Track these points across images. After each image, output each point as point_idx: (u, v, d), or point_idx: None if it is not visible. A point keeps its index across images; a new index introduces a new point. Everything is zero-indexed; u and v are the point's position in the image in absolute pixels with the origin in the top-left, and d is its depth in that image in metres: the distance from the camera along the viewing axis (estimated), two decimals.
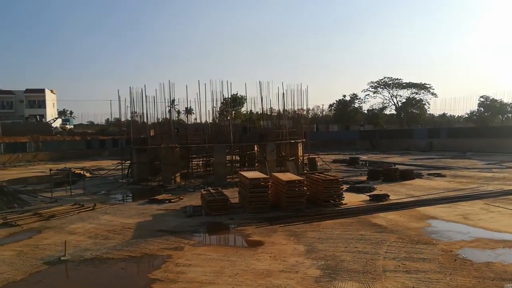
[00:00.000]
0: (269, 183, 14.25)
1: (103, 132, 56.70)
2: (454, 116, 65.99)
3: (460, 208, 13.69)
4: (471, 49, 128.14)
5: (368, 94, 66.79)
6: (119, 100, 25.34)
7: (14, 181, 24.97)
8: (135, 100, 24.58)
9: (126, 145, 28.01)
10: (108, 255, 9.43)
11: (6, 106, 69.21)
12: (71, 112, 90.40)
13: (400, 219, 12.23)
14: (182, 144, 23.92)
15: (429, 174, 22.81)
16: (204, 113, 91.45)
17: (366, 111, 67.49)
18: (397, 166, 26.08)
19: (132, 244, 10.30)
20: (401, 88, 64.88)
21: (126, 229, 11.99)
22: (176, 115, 48.09)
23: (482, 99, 51.55)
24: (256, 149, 27.24)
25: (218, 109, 31.35)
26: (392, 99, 66.24)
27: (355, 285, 7.13)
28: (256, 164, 25.14)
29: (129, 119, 26.88)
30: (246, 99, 46.21)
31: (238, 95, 52.33)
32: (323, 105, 74.93)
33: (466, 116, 55.61)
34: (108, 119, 72.44)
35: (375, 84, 66.05)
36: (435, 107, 63.19)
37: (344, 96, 67.09)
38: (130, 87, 24.71)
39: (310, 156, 26.97)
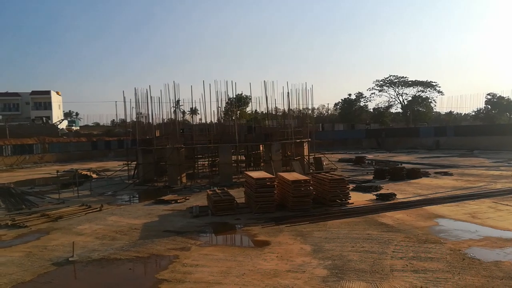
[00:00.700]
0: (275, 183, 14.23)
1: (109, 133, 57.01)
2: (461, 114, 65.69)
3: (467, 207, 13.59)
4: (478, 46, 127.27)
5: (374, 93, 66.63)
6: (125, 101, 25.51)
7: (22, 183, 25.20)
8: (140, 101, 24.71)
9: (132, 146, 28.12)
10: (115, 255, 9.47)
11: (13, 108, 69.80)
12: (77, 114, 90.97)
13: (407, 218, 12.16)
14: (188, 145, 23.97)
15: (436, 173, 22.66)
16: (209, 113, 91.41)
17: (371, 110, 67.29)
18: (403, 165, 25.97)
19: (139, 244, 10.34)
20: (407, 86, 64.62)
21: (133, 229, 12.03)
22: (181, 115, 48.22)
23: (489, 97, 51.24)
24: (261, 149, 27.22)
25: (223, 109, 31.37)
26: (398, 98, 65.99)
27: (362, 285, 7.10)
28: (262, 164, 25.14)
29: (135, 120, 27.02)
30: (251, 99, 46.24)
31: (243, 95, 52.41)
32: (328, 104, 75.04)
33: (473, 114, 55.34)
34: (113, 120, 72.90)
35: (381, 82, 65.83)
36: (441, 105, 62.85)
37: (350, 95, 66.97)
38: (135, 88, 24.93)
39: (316, 156, 26.91)
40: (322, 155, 28.21)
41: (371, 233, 10.55)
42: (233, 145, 23.13)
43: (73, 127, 66.76)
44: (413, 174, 21.17)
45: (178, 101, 30.67)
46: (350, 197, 14.77)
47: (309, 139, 26.58)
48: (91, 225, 12.76)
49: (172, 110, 31.02)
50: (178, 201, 16.53)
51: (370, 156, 35.61)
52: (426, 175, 21.77)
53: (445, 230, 10.76)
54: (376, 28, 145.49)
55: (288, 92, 25.51)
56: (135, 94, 24.58)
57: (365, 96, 66.77)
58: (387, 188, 17.82)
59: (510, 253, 8.62)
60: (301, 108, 29.18)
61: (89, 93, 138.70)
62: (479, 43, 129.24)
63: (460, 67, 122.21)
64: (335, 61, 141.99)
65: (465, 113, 62.95)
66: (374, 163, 29.86)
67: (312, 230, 11.07)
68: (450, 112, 65.70)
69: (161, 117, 27.64)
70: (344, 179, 15.18)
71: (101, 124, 77.84)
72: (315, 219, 12.37)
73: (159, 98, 25.03)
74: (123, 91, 29.21)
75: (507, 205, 13.63)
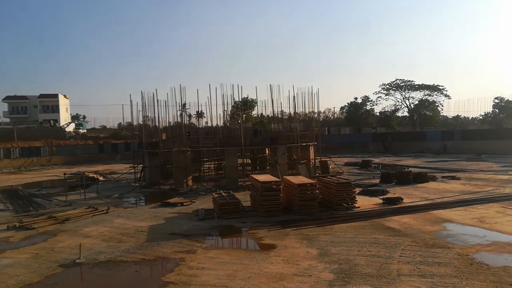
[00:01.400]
0: (281, 186, 14.21)
1: (116, 136, 57.37)
2: (468, 118, 65.16)
3: (475, 211, 13.46)
4: (485, 50, 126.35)
5: (380, 96, 66.50)
6: (131, 105, 25.67)
7: (29, 185, 25.42)
8: (147, 104, 24.86)
9: (138, 149, 28.27)
10: (121, 258, 9.50)
11: (21, 111, 70.57)
12: (84, 117, 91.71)
13: (415, 223, 12.07)
14: (194, 148, 24.04)
15: (443, 177, 22.49)
16: (215, 116, 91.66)
17: (378, 114, 67.08)
18: (410, 168, 25.80)
19: (145, 247, 10.36)
20: (414, 90, 64.40)
21: (139, 232, 12.07)
22: (188, 118, 48.35)
23: (496, 100, 50.92)
24: (267, 152, 27.23)
25: (229, 113, 31.47)
26: (405, 101, 65.78)
27: None
28: (268, 167, 25.13)
29: (141, 123, 27.16)
30: (257, 102, 46.37)
31: (249, 98, 52.50)
32: (334, 107, 74.88)
33: (481, 117, 54.89)
34: (120, 123, 73.35)
35: (387, 86, 65.69)
36: (448, 109, 62.68)
37: (356, 98, 66.83)
38: (142, 91, 25.04)
39: (322, 159, 26.84)
40: (328, 159, 28.13)
41: (377, 237, 10.48)
42: (239, 149, 23.16)
43: (80, 130, 67.32)
44: (420, 178, 21.02)
45: (185, 104, 30.87)
46: (357, 201, 14.70)
47: (315, 143, 26.54)
48: (98, 227, 12.82)
49: (179, 113, 31.16)
50: (184, 204, 16.57)
51: (376, 160, 35.45)
52: (433, 179, 21.60)
53: (452, 235, 10.66)
54: (383, 32, 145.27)
55: (294, 96, 25.55)
56: (142, 97, 24.75)
57: (372, 100, 66.68)
58: (394, 192, 17.72)
59: None
60: (307, 112, 29.17)
61: (96, 96, 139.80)
62: (486, 46, 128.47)
63: (468, 70, 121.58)
64: (342, 65, 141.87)
65: (472, 117, 62.52)
66: (380, 167, 29.71)
67: (318, 234, 11.03)
68: (457, 116, 65.27)
69: (167, 120, 27.78)
70: (351, 182, 15.12)
71: (108, 127, 78.38)
72: (321, 222, 12.32)
73: (165, 101, 25.19)
74: (130, 95, 29.34)
75: None
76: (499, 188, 18.04)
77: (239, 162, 23.68)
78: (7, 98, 70.21)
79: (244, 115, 49.47)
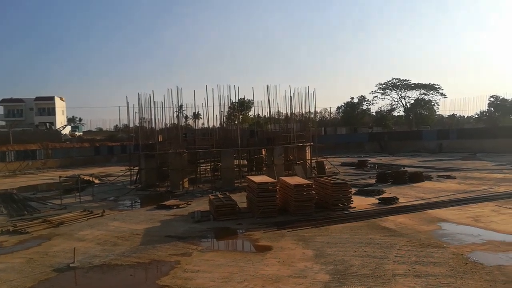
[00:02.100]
0: (277, 187, 14.20)
1: (112, 138, 57.16)
2: (463, 116, 65.41)
3: (470, 210, 13.50)
4: (481, 48, 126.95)
5: (376, 96, 66.65)
6: (128, 106, 25.61)
7: (24, 189, 25.28)
8: (143, 106, 24.81)
9: (135, 151, 28.18)
10: (116, 261, 9.45)
11: (17, 114, 70.26)
12: (80, 119, 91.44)
13: (410, 222, 12.09)
14: (190, 149, 23.98)
15: (438, 176, 22.55)
16: (212, 117, 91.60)
17: (374, 113, 67.27)
18: (406, 168, 25.86)
19: (140, 250, 10.32)
20: (410, 89, 64.62)
21: (134, 235, 12.02)
22: (184, 120, 48.35)
23: (492, 99, 51.21)
24: (263, 153, 27.20)
25: (226, 114, 31.44)
26: (401, 101, 65.98)
27: None
28: (264, 168, 25.10)
29: (138, 125, 27.08)
30: (253, 103, 46.35)
31: (245, 99, 52.43)
32: (330, 107, 74.94)
33: (476, 116, 55.14)
34: (116, 125, 73.08)
35: (383, 85, 65.86)
36: (444, 107, 62.99)
37: (352, 98, 66.99)
38: (138, 93, 24.97)
39: (318, 160, 26.86)
40: (325, 159, 28.16)
41: (373, 238, 10.48)
42: (235, 150, 23.14)
43: (76, 133, 67.11)
44: (416, 177, 21.07)
45: (181, 106, 30.83)
46: (353, 201, 14.71)
47: (312, 143, 26.54)
48: (93, 231, 12.76)
49: (175, 115, 31.09)
50: (180, 206, 16.52)
51: (372, 160, 35.50)
52: (429, 178, 21.65)
53: (448, 234, 10.69)
54: (379, 31, 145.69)
55: (290, 96, 25.54)
56: (138, 99, 24.69)
57: (368, 100, 66.82)
58: (390, 192, 17.75)
59: None
60: (303, 112, 29.19)
61: (92, 98, 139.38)
62: (482, 45, 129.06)
63: (463, 69, 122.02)
64: (338, 64, 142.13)
65: (468, 116, 62.74)
66: (376, 167, 29.77)
67: (314, 235, 11.02)
68: (453, 115, 65.56)
69: (164, 122, 27.74)
70: (347, 183, 15.15)
71: (104, 129, 78.21)
72: (317, 223, 12.32)
73: (162, 103, 25.15)
74: (126, 96, 29.13)
75: (510, 208, 13.52)
76: (494, 187, 18.11)
77: (235, 163, 23.66)
78: (3, 101, 69.87)
79: (241, 116, 49.44)
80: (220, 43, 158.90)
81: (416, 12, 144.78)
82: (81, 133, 69.80)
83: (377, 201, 15.67)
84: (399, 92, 65.51)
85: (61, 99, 73.29)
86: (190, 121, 57.09)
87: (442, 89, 62.66)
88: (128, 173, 25.51)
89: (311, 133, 27.72)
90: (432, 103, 63.37)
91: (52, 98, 69.61)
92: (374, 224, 12.12)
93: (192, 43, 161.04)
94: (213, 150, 23.98)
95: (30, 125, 63.73)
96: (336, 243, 10.09)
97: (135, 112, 25.85)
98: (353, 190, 16.60)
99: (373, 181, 21.88)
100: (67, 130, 63.90)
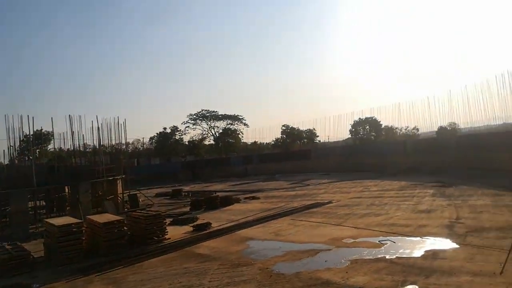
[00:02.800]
0: (83, 228, 12.76)
1: None
2: (263, 143, 74.17)
3: (272, 226, 15.14)
4: (272, 84, 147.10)
5: (188, 126, 69.17)
6: None
7: None
8: None
9: None
10: None
11: None
12: None
13: (222, 245, 12.67)
14: None
15: (246, 198, 24.66)
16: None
17: (187, 143, 69.33)
18: (217, 193, 27.32)
19: None
20: (218, 120, 69.72)
21: None
22: None
23: (284, 128, 59.66)
24: (67, 190, 24.22)
25: (18, 148, 26.81)
26: (211, 130, 70.27)
27: None
28: (68, 208, 22.34)
29: None
30: (53, 135, 41.06)
31: (43, 131, 46.11)
32: (143, 138, 73.25)
33: (273, 143, 63.36)
34: None
35: (194, 116, 69.07)
36: (247, 136, 69.92)
37: (165, 128, 67.51)
38: None
39: (131, 193, 25.65)
40: (138, 192, 27.12)
41: (188, 266, 10.48)
42: (30, 190, 19.82)
43: None
44: (226, 201, 22.49)
45: None
46: (167, 232, 14.48)
47: (123, 176, 25.21)
48: None
49: None
50: None
51: (187, 188, 36.24)
52: (238, 201, 23.45)
53: (255, 251, 11.63)
54: (185, 64, 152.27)
55: (98, 127, 23.80)
56: None
57: (180, 130, 68.61)
58: (203, 218, 18.31)
59: (306, 263, 9.90)
60: (113, 144, 27.57)
61: None
62: (271, 81, 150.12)
63: (261, 102, 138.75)
64: (148, 94, 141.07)
65: (266, 142, 71.45)
66: (190, 195, 30.46)
67: (127, 275, 10.26)
68: (255, 142, 73.53)
69: None
70: (160, 214, 14.87)
71: None
72: (130, 261, 11.55)
73: None
74: None
75: (302, 220, 15.81)
76: (289, 203, 20.91)
77: (30, 205, 20.22)
78: None
79: (37, 151, 43.10)
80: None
81: (216, 48, 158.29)
82: None
83: (191, 228, 15.88)
84: (209, 123, 69.87)
85: None
86: None
87: (245, 120, 70.05)
88: None
89: (123, 165, 26.39)
90: (238, 132, 69.90)
91: None
92: (189, 252, 12.20)
93: None
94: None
95: None
96: (150, 280, 9.63)
97: None
98: (168, 220, 16.44)
99: (187, 209, 22.22)
100: None
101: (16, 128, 22.02)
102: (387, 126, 48.18)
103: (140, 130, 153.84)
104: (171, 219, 18.01)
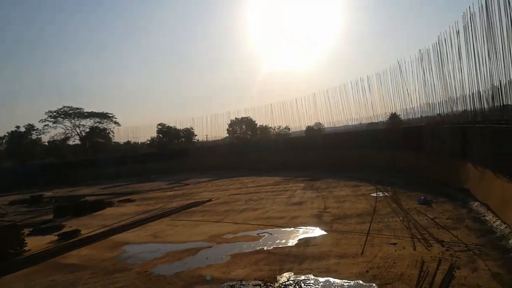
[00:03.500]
0: None
1: None
2: (138, 143, 70.71)
3: (150, 228, 14.50)
4: (150, 82, 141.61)
5: (48, 125, 61.71)
6: None
7: None
8: None
9: None
10: None
11: None
12: None
13: (95, 253, 11.61)
14: None
15: (119, 201, 23.14)
16: None
17: (47, 143, 61.92)
18: (86, 198, 25.07)
19: None
20: (84, 118, 63.81)
21: None
22: None
23: (160, 127, 57.84)
24: None
25: None
26: (76, 129, 63.97)
27: None
28: None
29: None
30: None
31: None
32: None
33: (148, 142, 60.80)
34: None
35: (54, 113, 61.91)
36: (119, 135, 65.51)
37: (18, 127, 59.17)
38: None
39: None
40: None
41: (55, 279, 9.32)
42: None
43: None
44: (97, 206, 20.75)
45: None
46: (27, 243, 12.62)
47: None
48: None
49: None
50: None
51: (49, 194, 32.32)
52: (110, 205, 21.85)
53: (132, 256, 10.95)
54: (34, 56, 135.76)
55: None
56: None
57: (38, 129, 60.89)
58: (71, 225, 16.56)
59: (187, 262, 9.71)
60: None
61: None
62: (150, 78, 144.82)
63: (135, 99, 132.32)
64: None
65: (141, 142, 68.27)
66: (54, 201, 27.26)
67: None
68: (128, 141, 69.65)
69: None
70: (16, 224, 12.94)
71: None
72: None
73: None
74: None
75: (181, 220, 15.52)
76: (168, 204, 20.34)
77: None
78: None
79: None
80: None
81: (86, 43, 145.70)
82: None
83: (56, 237, 14.16)
84: (73, 121, 63.50)
85: None
86: None
87: (116, 118, 65.62)
88: None
89: None
90: (108, 131, 65.17)
91: None
92: (55, 263, 10.87)
93: None
94: None
95: None
96: None
97: None
98: (27, 230, 14.40)
99: (51, 216, 19.79)
100: None
101: None
102: (262, 125, 50.85)
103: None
104: (31, 229, 15.81)
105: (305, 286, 7.31)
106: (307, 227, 12.03)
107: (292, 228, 12.14)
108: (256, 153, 38.98)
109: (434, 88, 18.86)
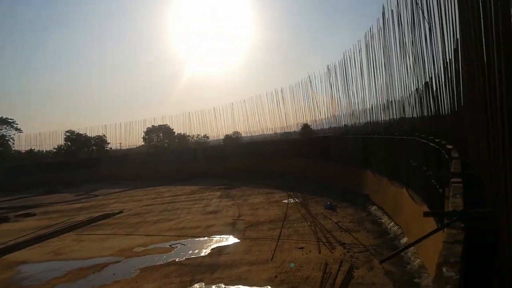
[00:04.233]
0: None
1: None
2: (43, 151, 64.76)
3: (51, 245, 13.35)
4: (58, 87, 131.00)
5: None
6: None
7: None
8: None
9: None
10: None
11: None
12: None
13: None
14: None
15: (17, 216, 20.91)
16: None
17: None
18: None
19: None
20: None
21: None
22: None
23: (68, 134, 53.74)
24: None
25: None
26: None
27: None
28: None
29: None
30: None
31: None
32: None
33: (55, 150, 56.00)
34: None
35: None
36: (19, 143, 59.35)
37: None
38: None
39: None
40: None
41: None
42: None
43: None
44: None
45: None
46: None
47: None
48: None
49: None
50: None
51: None
52: (6, 220, 19.66)
53: (28, 276, 9.98)
54: None
55: None
56: None
57: None
58: None
59: (92, 279, 9.14)
60: None
61: None
62: (53, 83, 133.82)
63: (40, 104, 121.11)
64: None
65: (47, 150, 62.67)
66: None
67: None
68: (31, 150, 63.50)
69: None
70: None
71: None
72: None
73: None
74: None
75: (88, 234, 14.54)
76: (74, 217, 18.90)
77: None
78: None
79: None
80: None
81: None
82: None
83: None
84: None
85: None
86: None
87: (17, 124, 59.60)
88: None
89: None
90: (7, 138, 58.82)
91: None
92: None
93: None
94: None
95: None
96: None
97: None
98: None
99: None
100: None
101: None
102: (179, 133, 49.90)
103: None
104: None
105: None
106: (221, 236, 12.10)
107: (206, 238, 12.11)
108: (174, 162, 38.14)
109: (340, 101, 20.39)
